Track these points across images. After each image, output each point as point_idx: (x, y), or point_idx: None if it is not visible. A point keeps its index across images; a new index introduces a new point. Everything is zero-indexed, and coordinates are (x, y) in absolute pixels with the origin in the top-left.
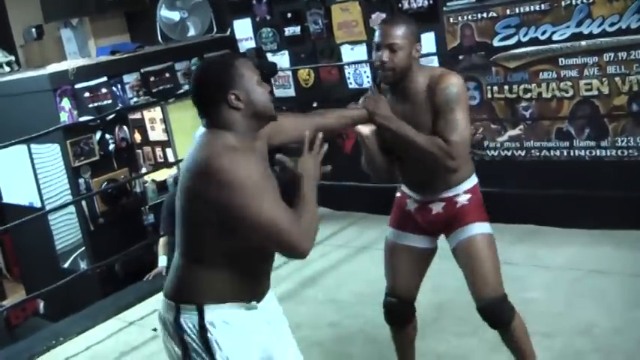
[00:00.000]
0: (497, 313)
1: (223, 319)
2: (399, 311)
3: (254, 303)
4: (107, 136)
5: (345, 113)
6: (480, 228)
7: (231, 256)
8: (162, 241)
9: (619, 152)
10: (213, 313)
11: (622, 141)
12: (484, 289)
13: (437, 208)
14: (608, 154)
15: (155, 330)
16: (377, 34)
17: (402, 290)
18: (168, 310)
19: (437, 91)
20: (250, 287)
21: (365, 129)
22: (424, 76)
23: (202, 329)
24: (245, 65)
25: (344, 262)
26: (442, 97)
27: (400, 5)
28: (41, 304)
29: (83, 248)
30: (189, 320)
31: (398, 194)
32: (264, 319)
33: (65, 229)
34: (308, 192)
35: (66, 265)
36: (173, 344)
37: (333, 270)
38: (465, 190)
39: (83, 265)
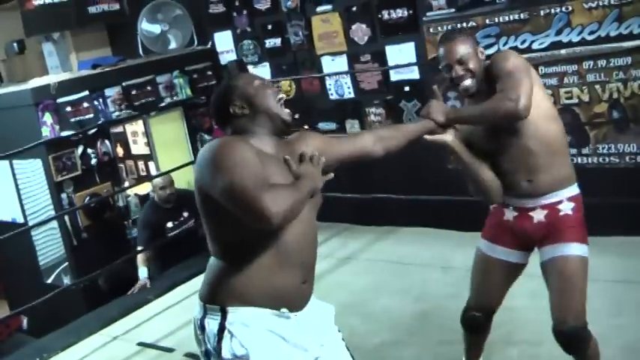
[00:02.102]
0: (574, 341)
1: (248, 323)
2: (483, 323)
3: (285, 311)
4: (89, 150)
5: (409, 128)
6: (579, 249)
7: (244, 253)
8: (140, 256)
9: (600, 159)
10: (237, 317)
11: (603, 148)
12: (567, 313)
13: (539, 216)
14: (590, 161)
15: (141, 344)
16: (442, 55)
17: (489, 304)
18: (198, 311)
19: (492, 67)
20: (278, 293)
21: (445, 137)
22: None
23: (221, 332)
24: (242, 77)
25: (328, 273)
26: (495, 68)
27: (380, 16)
28: (25, 320)
29: (66, 263)
30: (212, 322)
31: (492, 205)
32: (291, 332)
33: (48, 245)
34: (300, 185)
35: (49, 281)
36: (197, 344)
37: (317, 281)
38: (568, 197)
39: (67, 280)
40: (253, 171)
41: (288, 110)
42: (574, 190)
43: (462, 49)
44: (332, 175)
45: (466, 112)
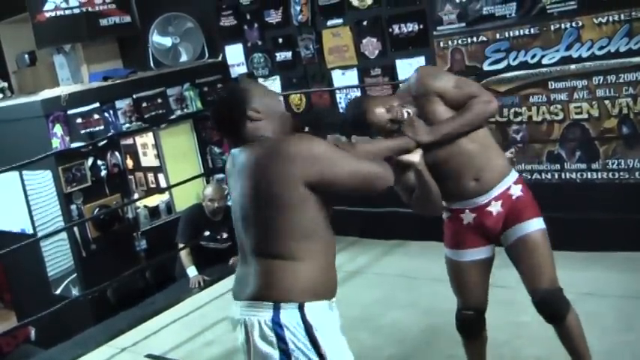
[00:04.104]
0: (553, 304)
1: (322, 316)
2: (475, 321)
3: (334, 301)
4: (99, 162)
5: (389, 143)
6: (538, 224)
7: (312, 247)
8: (184, 252)
9: (610, 175)
10: (313, 311)
11: (613, 163)
12: (542, 280)
13: (496, 208)
14: (599, 176)
15: (149, 357)
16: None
17: (476, 302)
18: (259, 311)
19: (424, 89)
20: (333, 284)
21: (414, 157)
22: None
23: (307, 326)
24: (250, 83)
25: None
26: (433, 87)
27: (391, 30)
28: (33, 331)
29: (75, 275)
30: (291, 318)
31: (446, 215)
32: (338, 322)
33: (57, 256)
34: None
35: (58, 292)
36: (266, 345)
37: None
38: (514, 181)
39: (75, 292)
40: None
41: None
42: (514, 174)
43: (380, 111)
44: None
45: (447, 128)
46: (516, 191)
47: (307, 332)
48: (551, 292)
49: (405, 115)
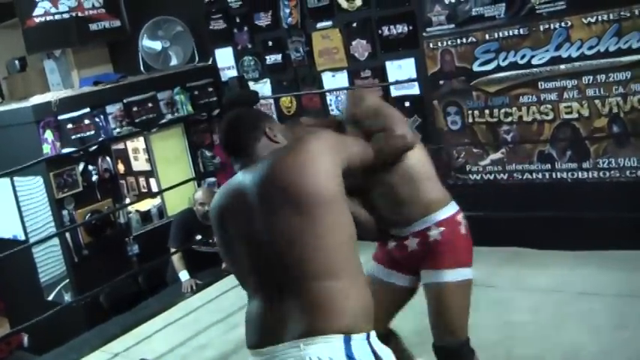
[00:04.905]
0: (451, 356)
1: (381, 344)
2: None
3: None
4: (90, 167)
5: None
6: (451, 275)
7: (354, 266)
8: (176, 257)
9: (601, 174)
10: (375, 339)
11: (603, 162)
12: (445, 333)
13: (412, 244)
14: (590, 175)
15: None
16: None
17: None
18: (323, 348)
19: (347, 113)
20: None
21: None
22: None
23: (376, 356)
24: (258, 108)
25: None
26: (348, 111)
27: (380, 32)
28: (25, 338)
29: (67, 280)
30: (363, 350)
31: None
32: None
33: (49, 262)
34: None
35: (50, 298)
36: None
37: None
38: (437, 221)
39: (68, 298)
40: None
41: None
42: (444, 213)
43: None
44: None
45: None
46: (435, 234)
47: None
48: (450, 345)
49: None
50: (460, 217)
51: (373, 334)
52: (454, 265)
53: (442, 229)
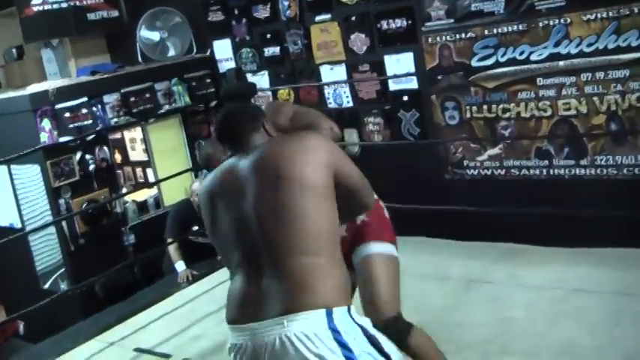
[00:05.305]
0: (389, 328)
1: (361, 316)
2: None
3: None
4: (87, 156)
5: None
6: (378, 247)
7: (336, 240)
8: (173, 247)
9: (598, 171)
10: (354, 312)
11: (601, 159)
12: (377, 305)
13: (341, 232)
14: (588, 172)
15: (138, 350)
16: None
17: None
18: (307, 323)
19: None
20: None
21: None
22: None
23: (362, 328)
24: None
25: None
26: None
27: (379, 26)
28: (21, 326)
29: (63, 269)
30: (345, 322)
31: None
32: None
33: (45, 250)
34: None
35: (46, 286)
36: (326, 357)
37: None
38: None
39: (63, 286)
40: None
41: None
42: None
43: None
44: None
45: None
46: (362, 217)
47: (365, 334)
48: (385, 318)
49: None
50: (382, 204)
51: (352, 307)
52: (379, 239)
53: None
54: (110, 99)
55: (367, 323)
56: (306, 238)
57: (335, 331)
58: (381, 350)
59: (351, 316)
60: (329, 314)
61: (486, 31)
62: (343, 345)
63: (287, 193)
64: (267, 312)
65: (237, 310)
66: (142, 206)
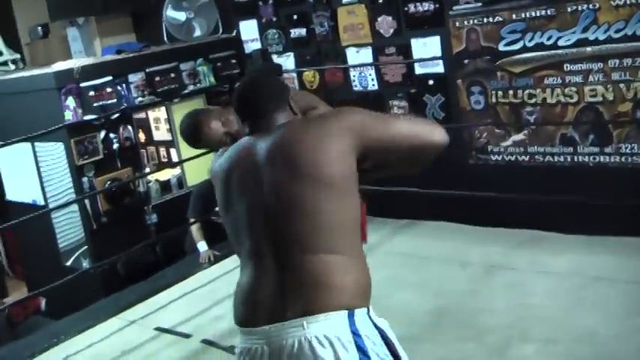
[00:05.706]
0: None
1: (381, 319)
2: None
3: None
4: (111, 135)
5: None
6: None
7: (357, 236)
8: (195, 227)
9: (623, 159)
10: (374, 313)
11: (626, 147)
12: None
13: None
14: (612, 160)
15: (158, 329)
16: None
17: None
18: (329, 326)
19: None
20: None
21: None
22: None
23: (380, 332)
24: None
25: None
26: None
27: (406, 9)
28: (43, 302)
29: (86, 247)
30: (366, 325)
31: None
32: None
33: (68, 228)
34: None
35: (68, 264)
36: None
37: None
38: None
39: (85, 264)
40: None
41: None
42: None
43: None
44: None
45: None
46: None
47: (383, 338)
48: None
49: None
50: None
51: (371, 308)
52: None
53: None
54: (135, 78)
55: (385, 325)
56: (324, 235)
57: (356, 335)
58: (396, 356)
59: (370, 319)
60: (350, 316)
61: (514, 16)
62: (363, 352)
63: (306, 185)
64: (283, 313)
65: (248, 310)
66: (165, 186)
